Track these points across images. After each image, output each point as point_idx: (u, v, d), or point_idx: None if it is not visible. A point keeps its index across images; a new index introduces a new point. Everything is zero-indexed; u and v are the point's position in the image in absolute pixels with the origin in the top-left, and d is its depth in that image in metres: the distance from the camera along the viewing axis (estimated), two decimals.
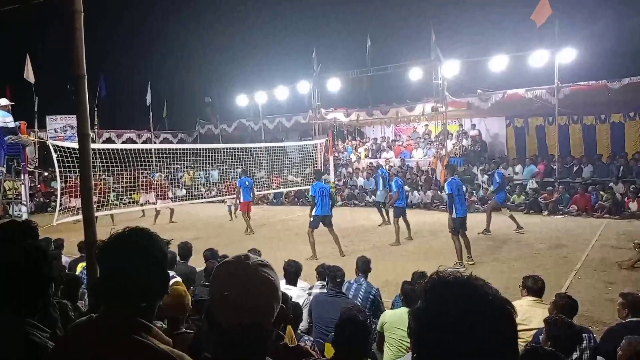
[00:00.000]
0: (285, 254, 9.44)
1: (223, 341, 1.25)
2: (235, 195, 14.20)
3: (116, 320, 1.34)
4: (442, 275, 1.00)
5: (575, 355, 3.34)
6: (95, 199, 13.29)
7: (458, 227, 8.42)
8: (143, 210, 17.07)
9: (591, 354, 3.47)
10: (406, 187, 17.16)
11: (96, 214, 12.23)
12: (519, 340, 3.30)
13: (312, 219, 9.73)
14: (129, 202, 15.93)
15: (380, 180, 13.50)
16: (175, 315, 2.95)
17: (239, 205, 13.73)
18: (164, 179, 16.48)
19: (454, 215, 8.40)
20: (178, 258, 6.44)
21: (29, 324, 1.59)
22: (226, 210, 16.20)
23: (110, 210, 13.97)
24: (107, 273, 1.41)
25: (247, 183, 13.23)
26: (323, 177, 11.86)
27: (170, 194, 16.21)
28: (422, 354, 0.97)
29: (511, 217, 11.54)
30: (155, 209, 15.22)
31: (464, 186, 8.92)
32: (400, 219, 10.77)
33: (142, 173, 15.71)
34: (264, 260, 1.34)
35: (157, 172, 18.00)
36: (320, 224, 9.69)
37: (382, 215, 13.34)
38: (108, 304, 1.40)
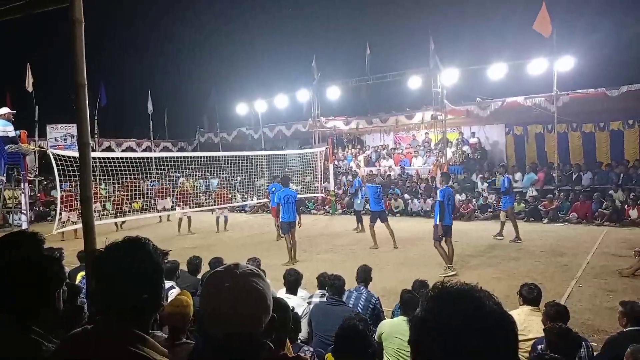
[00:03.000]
0: (283, 261, 9.48)
1: (214, 351, 1.25)
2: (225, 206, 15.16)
3: (111, 332, 1.34)
4: (445, 285, 1.00)
5: None
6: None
7: (443, 235, 8.73)
8: (161, 217, 17.32)
9: None
10: (406, 196, 17.24)
11: (103, 222, 12.29)
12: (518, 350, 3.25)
13: (280, 226, 10.34)
14: (129, 211, 15.89)
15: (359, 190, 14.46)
16: (175, 325, 2.94)
17: (271, 211, 14.06)
18: (187, 185, 16.47)
19: (441, 223, 8.71)
20: (185, 270, 6.41)
21: (36, 333, 1.58)
22: (214, 221, 15.65)
23: (119, 217, 13.92)
24: (101, 283, 1.41)
25: (274, 189, 13.39)
26: (290, 184, 12.46)
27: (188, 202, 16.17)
28: None
29: (502, 224, 11.72)
30: (177, 216, 15.30)
31: (456, 196, 9.23)
32: (377, 225, 11.22)
33: (165, 179, 15.80)
34: (255, 270, 1.33)
35: (181, 178, 18.03)
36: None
37: (358, 222, 13.96)
38: (103, 315, 1.40)
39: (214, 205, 16.38)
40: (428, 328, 0.94)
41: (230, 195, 17.12)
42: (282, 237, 12.64)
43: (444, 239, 8.74)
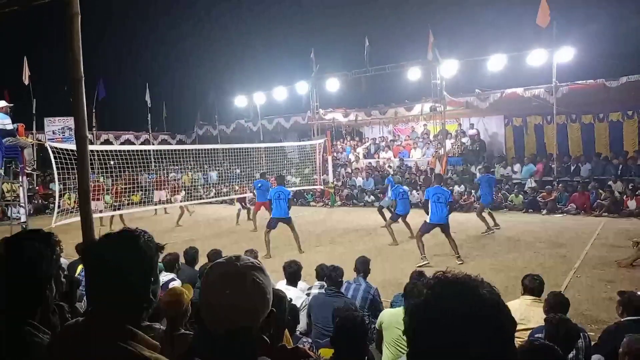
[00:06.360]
0: (286, 254, 9.48)
1: (212, 344, 1.24)
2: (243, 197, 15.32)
3: (101, 326, 1.32)
4: (446, 274, 1.01)
5: (571, 355, 3.35)
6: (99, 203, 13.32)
7: (424, 230, 8.80)
8: (161, 209, 17.36)
9: (585, 353, 3.48)
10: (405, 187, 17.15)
11: (103, 214, 12.28)
12: (517, 340, 3.27)
13: (269, 220, 10.38)
14: (128, 204, 15.87)
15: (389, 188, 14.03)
16: (173, 315, 2.95)
17: (255, 205, 14.08)
18: (186, 178, 16.49)
19: (427, 219, 8.78)
20: (182, 261, 6.39)
21: (30, 325, 1.58)
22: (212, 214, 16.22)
23: (119, 210, 13.88)
24: (91, 276, 1.40)
25: (259, 185, 13.49)
26: (285, 180, 12.38)
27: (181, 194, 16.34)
28: (416, 350, 0.97)
29: (490, 214, 11.92)
30: (180, 207, 15.43)
31: (450, 196, 9.17)
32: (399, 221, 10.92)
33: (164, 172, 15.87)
34: (257, 263, 1.32)
35: (180, 173, 18.01)
36: (280, 223, 10.23)
37: (383, 217, 13.39)
38: (95, 308, 1.38)
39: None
40: (427, 314, 0.95)
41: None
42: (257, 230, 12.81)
43: (424, 234, 8.81)
